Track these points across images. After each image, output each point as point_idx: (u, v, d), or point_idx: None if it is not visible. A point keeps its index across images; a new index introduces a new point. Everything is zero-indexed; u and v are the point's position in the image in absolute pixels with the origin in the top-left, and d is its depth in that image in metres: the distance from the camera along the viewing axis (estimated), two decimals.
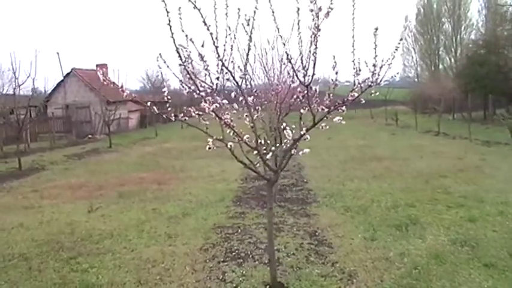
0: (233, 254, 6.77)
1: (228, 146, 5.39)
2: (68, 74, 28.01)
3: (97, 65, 34.67)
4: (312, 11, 4.37)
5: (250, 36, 4.85)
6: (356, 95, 4.85)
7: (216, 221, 8.51)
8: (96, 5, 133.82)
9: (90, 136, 27.30)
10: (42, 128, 24.63)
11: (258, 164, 5.87)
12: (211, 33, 4.80)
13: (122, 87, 5.48)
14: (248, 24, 4.76)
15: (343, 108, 5.01)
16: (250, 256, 6.65)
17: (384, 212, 8.73)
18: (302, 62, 4.87)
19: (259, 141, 5.46)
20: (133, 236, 7.83)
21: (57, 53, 18.54)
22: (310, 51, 4.55)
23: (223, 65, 4.93)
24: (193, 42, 4.73)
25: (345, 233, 7.57)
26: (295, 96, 5.57)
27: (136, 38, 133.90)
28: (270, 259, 5.69)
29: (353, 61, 4.81)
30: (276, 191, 9.85)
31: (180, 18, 4.80)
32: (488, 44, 27.63)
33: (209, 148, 5.56)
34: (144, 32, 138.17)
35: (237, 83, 5.19)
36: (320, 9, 4.33)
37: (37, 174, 15.47)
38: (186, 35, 4.79)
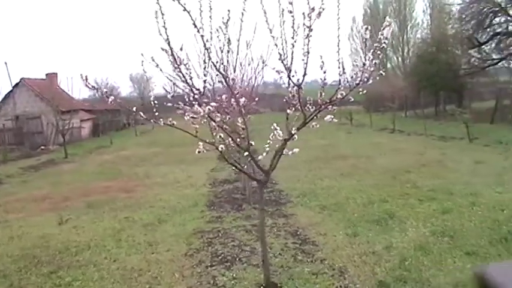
0: (219, 258, 6.73)
1: (219, 149, 5.33)
2: (17, 84, 26.94)
3: (47, 74, 33.58)
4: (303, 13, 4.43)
5: (229, 39, 4.88)
6: (344, 93, 4.96)
7: (195, 226, 8.42)
8: (43, 12, 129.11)
9: (43, 147, 26.31)
10: None
11: (245, 166, 5.86)
12: (202, 36, 4.77)
13: (106, 93, 5.33)
14: (226, 26, 4.77)
15: (334, 107, 5.11)
16: (237, 259, 6.63)
17: (360, 208, 8.91)
18: (289, 63, 4.89)
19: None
20: (112, 246, 7.62)
21: (5, 63, 17.79)
22: (304, 51, 4.60)
23: (216, 67, 4.89)
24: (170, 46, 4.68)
25: (326, 230, 7.67)
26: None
27: (84, 44, 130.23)
28: (263, 259, 5.69)
29: (338, 60, 4.93)
30: (250, 193, 9.85)
31: (161, 21, 4.79)
32: (437, 43, 28.80)
33: (199, 152, 5.51)
34: (92, 38, 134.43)
35: (228, 85, 5.16)
36: (313, 9, 4.40)
37: None
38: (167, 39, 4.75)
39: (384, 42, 4.90)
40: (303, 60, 4.75)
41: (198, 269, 6.34)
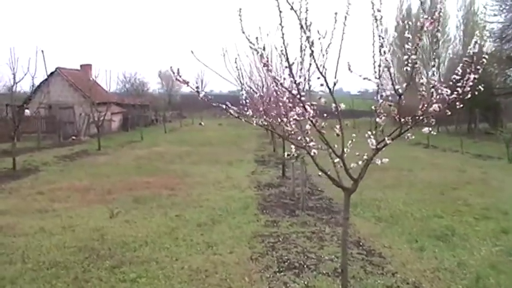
0: (286, 263, 6.61)
1: (311, 154, 5.20)
2: (52, 73, 27.20)
3: (81, 65, 33.89)
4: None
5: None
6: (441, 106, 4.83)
7: (253, 229, 8.30)
8: (80, 4, 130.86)
9: (74, 137, 26.48)
10: (25, 128, 23.71)
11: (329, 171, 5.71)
12: (308, 37, 4.67)
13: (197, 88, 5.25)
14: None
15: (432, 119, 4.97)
16: (305, 266, 6.51)
17: (417, 222, 8.73)
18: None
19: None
20: (170, 244, 7.54)
21: (42, 51, 17.89)
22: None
23: (318, 69, 4.77)
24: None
25: (389, 243, 7.52)
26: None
27: (115, 38, 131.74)
28: (343, 269, 5.54)
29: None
30: (304, 200, 9.70)
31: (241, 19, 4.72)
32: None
33: (288, 155, 5.40)
34: (124, 32, 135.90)
35: (329, 88, 5.04)
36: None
37: (33, 176, 14.87)
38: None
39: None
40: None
41: (267, 274, 6.22)
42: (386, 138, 5.24)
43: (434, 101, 4.98)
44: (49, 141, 24.49)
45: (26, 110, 21.06)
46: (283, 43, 4.63)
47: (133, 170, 15.75)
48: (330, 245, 7.43)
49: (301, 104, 4.80)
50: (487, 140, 23.83)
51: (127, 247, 7.37)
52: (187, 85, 5.52)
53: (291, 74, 4.72)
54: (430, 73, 46.45)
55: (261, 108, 11.80)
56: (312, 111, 4.80)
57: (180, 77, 5.37)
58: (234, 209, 9.83)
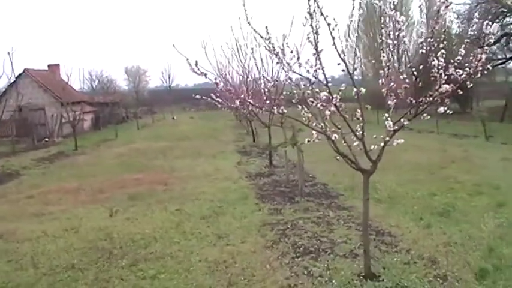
0: (301, 249, 6.71)
1: (332, 138, 5.29)
2: (20, 75, 26.39)
3: (49, 65, 32.95)
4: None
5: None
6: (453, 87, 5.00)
7: (259, 218, 8.37)
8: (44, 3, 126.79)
9: (47, 139, 25.79)
10: None
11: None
12: (328, 24, 4.74)
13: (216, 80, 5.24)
14: None
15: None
16: (320, 250, 6.62)
17: (415, 201, 8.99)
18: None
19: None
20: (179, 238, 7.52)
21: (8, 53, 17.36)
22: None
23: (339, 55, 4.85)
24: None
25: (396, 222, 7.72)
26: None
27: (78, 36, 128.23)
28: (365, 249, 5.68)
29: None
30: (302, 186, 9.80)
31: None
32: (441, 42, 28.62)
33: (308, 141, 5.46)
34: (87, 30, 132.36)
35: (349, 73, 5.12)
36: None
37: (16, 180, 14.49)
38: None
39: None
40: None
41: (285, 260, 6.31)
42: (402, 120, 5.38)
43: (443, 81, 5.16)
44: (22, 145, 23.78)
45: None
46: (313, 31, 4.67)
47: (118, 168, 15.51)
48: (338, 228, 7.57)
49: (328, 90, 4.86)
50: (458, 119, 24.49)
51: (137, 244, 7.31)
52: (206, 77, 5.52)
53: (319, 60, 4.76)
54: (395, 57, 47.49)
55: (242, 96, 11.90)
56: (338, 97, 4.88)
57: (198, 69, 5.37)
58: (232, 199, 9.85)
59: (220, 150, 19.28)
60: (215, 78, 16.84)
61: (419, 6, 48.27)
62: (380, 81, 5.35)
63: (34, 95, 27.62)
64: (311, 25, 4.82)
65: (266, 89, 12.46)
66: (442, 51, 5.30)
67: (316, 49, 4.80)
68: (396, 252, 6.43)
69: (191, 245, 7.18)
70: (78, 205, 10.29)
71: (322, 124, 5.53)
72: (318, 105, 5.01)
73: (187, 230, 7.91)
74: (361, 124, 5.34)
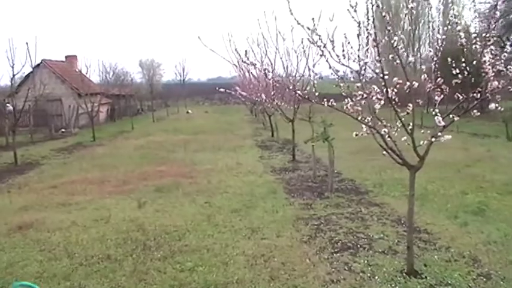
0: (339, 244, 6.65)
1: (382, 132, 5.22)
2: (37, 65, 26.46)
3: (66, 57, 33.08)
4: None
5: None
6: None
7: (291, 213, 8.31)
8: None
9: (63, 130, 25.92)
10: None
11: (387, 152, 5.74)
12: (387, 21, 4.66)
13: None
14: None
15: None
16: (358, 246, 6.55)
17: (447, 199, 8.88)
18: None
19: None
20: (213, 231, 7.48)
21: (26, 43, 17.36)
22: None
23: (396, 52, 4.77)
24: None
25: (431, 220, 7.63)
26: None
27: (95, 29, 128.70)
28: (409, 246, 5.61)
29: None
30: (332, 181, 9.73)
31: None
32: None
33: (356, 135, 5.40)
34: (102, 22, 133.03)
35: (403, 67, 5.05)
36: None
37: (37, 170, 14.55)
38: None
39: None
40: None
41: (324, 255, 6.25)
42: (451, 116, 5.30)
43: (492, 78, 5.07)
44: (40, 135, 23.92)
45: (8, 105, 20.43)
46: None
47: (138, 160, 15.52)
48: (373, 225, 7.49)
49: (384, 83, 4.79)
50: (477, 119, 24.18)
51: (170, 236, 7.28)
52: (255, 67, 5.46)
53: (379, 55, 4.69)
54: (410, 55, 47.12)
55: (272, 93, 11.86)
56: (393, 92, 4.81)
57: (248, 59, 5.31)
58: (261, 194, 9.80)
59: (239, 144, 19.23)
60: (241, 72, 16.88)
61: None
62: (422, 76, 5.26)
63: (51, 86, 27.70)
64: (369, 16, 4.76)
65: (292, 83, 12.52)
66: (492, 47, 5.21)
67: (375, 41, 4.71)
68: (435, 249, 6.36)
69: (225, 238, 7.14)
70: (104, 196, 10.29)
71: (369, 118, 5.49)
72: (366, 99, 4.90)
73: (220, 223, 7.87)
74: (413, 119, 5.24)
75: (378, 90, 4.91)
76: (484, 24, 26.80)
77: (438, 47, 5.45)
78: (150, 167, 13.82)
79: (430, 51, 5.45)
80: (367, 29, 4.75)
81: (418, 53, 46.43)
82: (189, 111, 45.57)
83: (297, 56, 12.83)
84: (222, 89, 14.01)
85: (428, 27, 46.37)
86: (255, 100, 15.64)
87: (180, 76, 59.28)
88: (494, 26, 5.06)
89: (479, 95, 5.23)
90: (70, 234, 7.63)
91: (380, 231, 7.11)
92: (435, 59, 5.40)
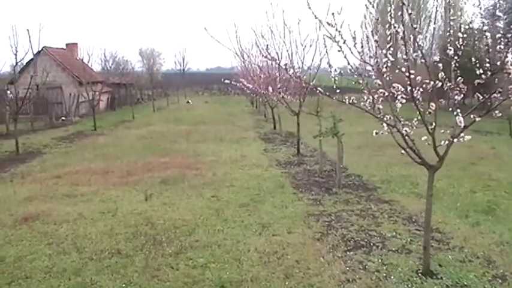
0: (351, 242, 6.60)
1: (403, 132, 5.15)
2: (38, 53, 26.18)
3: (67, 44, 32.79)
4: None
5: None
6: None
7: (301, 209, 8.25)
8: None
9: (63, 118, 25.74)
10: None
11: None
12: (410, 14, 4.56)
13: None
14: None
15: None
16: (371, 244, 6.51)
17: (456, 198, 8.84)
18: None
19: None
20: (222, 226, 7.41)
21: (27, 30, 17.12)
22: None
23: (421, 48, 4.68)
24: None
25: (442, 219, 7.58)
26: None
27: (95, 17, 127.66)
28: (425, 246, 5.57)
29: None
30: (340, 177, 9.67)
31: None
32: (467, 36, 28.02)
33: (376, 134, 5.33)
34: (103, 11, 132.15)
35: (425, 61, 4.97)
36: None
37: (39, 159, 14.42)
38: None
39: None
40: None
41: (338, 253, 6.20)
42: (472, 116, 5.24)
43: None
44: (40, 123, 23.76)
45: (8, 92, 20.28)
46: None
47: (141, 151, 15.41)
48: (385, 222, 7.45)
49: (409, 82, 4.71)
50: (478, 116, 24.12)
51: (180, 231, 7.21)
52: (275, 62, 5.37)
53: (418, 46, 4.61)
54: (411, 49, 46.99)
55: (278, 86, 11.77)
56: (418, 92, 4.73)
57: (269, 54, 5.21)
58: (268, 188, 9.73)
59: (241, 136, 19.14)
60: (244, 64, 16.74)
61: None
62: (440, 75, 5.17)
63: (52, 74, 27.43)
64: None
65: (298, 77, 12.38)
66: None
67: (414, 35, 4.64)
68: (449, 249, 6.32)
69: (235, 233, 7.07)
70: (109, 187, 10.20)
71: (389, 116, 5.42)
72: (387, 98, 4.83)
73: (229, 218, 7.80)
74: (435, 119, 5.17)
75: (402, 89, 4.81)
76: (488, 20, 26.74)
77: (459, 45, 5.35)
78: (154, 158, 13.73)
79: (450, 49, 5.33)
80: (394, 26, 4.63)
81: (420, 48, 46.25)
82: (189, 101, 45.44)
83: (304, 49, 12.73)
84: (227, 81, 13.89)
85: (430, 21, 46.27)
86: (259, 92, 15.46)
87: (180, 66, 59.13)
88: None
89: (499, 94, 5.15)
90: (78, 227, 7.54)
91: (392, 229, 7.07)
92: (455, 57, 5.31)
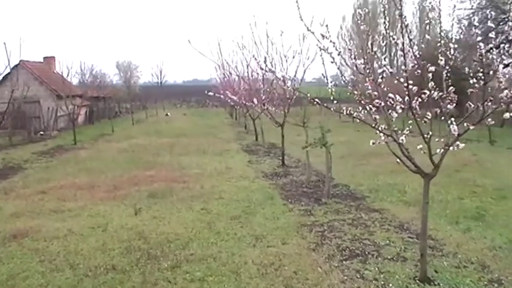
0: (347, 251, 6.64)
1: (400, 141, 5.24)
2: (15, 67, 25.71)
3: (44, 58, 32.31)
4: None
5: None
6: None
7: (293, 219, 8.27)
8: None
9: (42, 133, 25.29)
10: None
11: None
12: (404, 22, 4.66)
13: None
14: None
15: None
16: (367, 253, 6.56)
17: (445, 205, 8.98)
18: None
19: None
20: (215, 239, 7.37)
21: (4, 44, 16.82)
22: None
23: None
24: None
25: (433, 226, 7.65)
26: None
27: (71, 30, 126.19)
28: (422, 253, 5.64)
29: None
30: (330, 187, 9.74)
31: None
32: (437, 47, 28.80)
33: (373, 143, 5.41)
34: (79, 24, 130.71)
35: (427, 76, 5.06)
36: None
37: (21, 174, 14.13)
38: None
39: None
40: None
41: (334, 263, 6.23)
42: (466, 124, 5.36)
43: (503, 87, 5.15)
44: (18, 137, 23.30)
45: None
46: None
47: (125, 164, 15.23)
48: (377, 231, 7.51)
49: (408, 93, 4.79)
50: (457, 122, 24.64)
51: (174, 245, 7.14)
52: (274, 74, 5.41)
53: (405, 65, 4.69)
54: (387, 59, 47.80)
55: (263, 97, 11.84)
56: (417, 102, 4.82)
57: (266, 66, 5.25)
58: (258, 200, 9.72)
59: (224, 148, 19.10)
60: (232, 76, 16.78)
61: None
62: (430, 84, 5.27)
63: (29, 87, 27.04)
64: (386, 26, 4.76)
65: (283, 88, 12.49)
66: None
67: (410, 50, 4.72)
68: (443, 255, 6.41)
69: (230, 246, 7.04)
70: (96, 202, 10.05)
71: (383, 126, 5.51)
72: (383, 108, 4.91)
73: (221, 231, 7.76)
74: (430, 127, 5.27)
75: (400, 99, 4.90)
76: (465, 30, 27.38)
77: (450, 56, 5.48)
78: (139, 172, 13.59)
79: (441, 60, 5.46)
80: (393, 38, 4.73)
81: (395, 58, 47.12)
82: (168, 113, 45.24)
83: (286, 61, 12.83)
84: (211, 93, 13.92)
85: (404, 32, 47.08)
86: (242, 104, 15.51)
87: (158, 78, 58.97)
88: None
89: (490, 103, 5.28)
90: (68, 243, 7.39)
91: (385, 238, 7.14)
92: (447, 67, 5.44)
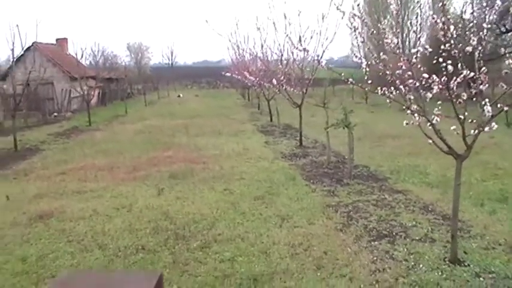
0: (374, 232, 6.66)
1: (434, 122, 5.21)
2: (28, 49, 25.74)
3: (57, 39, 32.32)
4: None
5: None
6: None
7: (317, 200, 8.29)
8: None
9: (55, 114, 25.44)
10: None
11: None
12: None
13: None
14: None
15: None
16: (394, 234, 6.58)
17: (468, 186, 8.89)
18: None
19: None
20: (241, 219, 7.42)
21: (17, 26, 16.80)
22: None
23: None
24: None
25: (459, 207, 7.64)
26: None
27: (82, 12, 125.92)
28: (453, 234, 5.64)
29: None
30: (352, 168, 9.73)
31: None
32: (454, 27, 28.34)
33: (407, 124, 5.39)
34: (90, 6, 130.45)
35: (459, 56, 5.00)
36: None
37: (39, 155, 14.23)
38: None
39: None
40: None
41: (363, 244, 6.26)
42: (499, 105, 5.31)
43: None
44: (33, 119, 23.46)
45: (5, 87, 20.01)
46: None
47: (142, 145, 15.26)
48: (403, 212, 7.52)
49: (445, 73, 4.74)
50: (471, 104, 24.44)
51: (200, 225, 7.19)
52: (307, 53, 5.37)
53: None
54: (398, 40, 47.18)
55: (282, 77, 11.80)
56: (455, 82, 4.77)
57: (301, 45, 5.20)
58: (280, 180, 9.75)
59: (239, 129, 19.09)
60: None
61: None
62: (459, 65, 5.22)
63: (42, 69, 27.09)
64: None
65: (300, 69, 12.46)
66: None
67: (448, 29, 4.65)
68: (471, 237, 6.41)
69: (256, 226, 7.08)
70: (118, 182, 10.12)
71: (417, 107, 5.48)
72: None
73: (246, 211, 7.80)
74: (465, 108, 5.23)
75: (438, 80, 4.85)
76: (480, 10, 26.87)
77: (483, 36, 5.40)
78: (156, 153, 13.63)
79: (474, 40, 5.38)
80: (433, 17, 4.66)
81: (407, 39, 46.55)
82: (180, 94, 45.24)
83: (304, 41, 12.72)
84: (228, 74, 13.87)
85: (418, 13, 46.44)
86: (256, 84, 15.45)
87: (168, 59, 58.82)
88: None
89: None
90: (94, 223, 7.46)
91: (411, 219, 7.14)
92: (479, 48, 5.37)
